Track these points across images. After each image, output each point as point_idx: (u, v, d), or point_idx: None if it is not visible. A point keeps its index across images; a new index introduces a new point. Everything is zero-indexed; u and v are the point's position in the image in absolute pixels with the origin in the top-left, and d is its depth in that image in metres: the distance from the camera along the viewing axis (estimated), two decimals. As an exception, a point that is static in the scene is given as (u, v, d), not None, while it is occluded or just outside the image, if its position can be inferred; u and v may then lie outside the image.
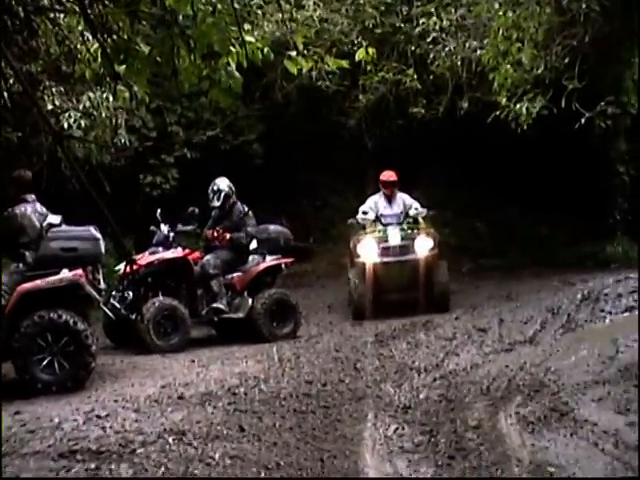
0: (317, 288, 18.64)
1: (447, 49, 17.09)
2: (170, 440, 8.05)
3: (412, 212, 15.94)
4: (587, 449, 8.52)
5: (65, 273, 10.52)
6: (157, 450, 7.76)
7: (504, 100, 14.71)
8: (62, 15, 10.02)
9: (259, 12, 16.41)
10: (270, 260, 14.27)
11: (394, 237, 15.54)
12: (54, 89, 13.39)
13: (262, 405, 9.61)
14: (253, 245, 14.28)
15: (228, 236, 14.06)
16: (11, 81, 10.47)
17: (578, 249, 20.11)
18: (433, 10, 17.60)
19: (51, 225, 10.70)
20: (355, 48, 15.75)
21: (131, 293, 13.43)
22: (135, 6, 6.55)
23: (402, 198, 16.23)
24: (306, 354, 12.54)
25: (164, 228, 13.94)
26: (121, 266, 13.68)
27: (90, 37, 9.74)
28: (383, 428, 9.09)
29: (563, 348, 12.41)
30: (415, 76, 18.36)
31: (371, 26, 18.56)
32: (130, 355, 12.67)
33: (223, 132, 20.20)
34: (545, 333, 13.57)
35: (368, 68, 17.03)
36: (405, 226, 15.80)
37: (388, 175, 16.33)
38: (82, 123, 13.75)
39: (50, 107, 13.07)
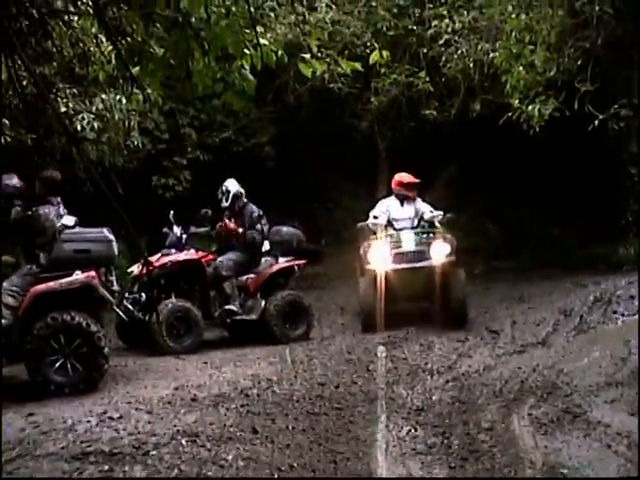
0: (329, 290, 18.64)
1: (459, 51, 17.10)
2: (183, 442, 8.07)
3: (427, 215, 14.72)
4: (600, 451, 8.51)
5: (78, 275, 10.53)
6: (170, 452, 7.77)
7: (516, 102, 14.73)
8: (76, 17, 10.06)
9: (272, 15, 16.43)
10: (283, 262, 14.29)
11: (408, 242, 14.39)
12: (67, 91, 13.43)
13: (275, 407, 9.62)
14: (266, 247, 14.29)
15: (241, 230, 14.06)
16: (24, 83, 10.49)
17: (590, 251, 20.07)
18: (445, 12, 17.64)
19: (65, 227, 10.73)
20: (367, 50, 15.79)
21: (144, 295, 13.45)
22: (149, 8, 6.56)
23: (417, 203, 15.11)
24: (319, 356, 12.55)
25: (177, 230, 13.96)
26: (134, 268, 13.72)
27: (104, 39, 9.80)
28: (396, 430, 9.10)
29: (575, 350, 12.40)
30: (427, 78, 18.41)
31: (384, 28, 18.60)
32: (143, 357, 12.68)
33: (235, 134, 20.25)
34: (557, 335, 13.57)
35: (382, 71, 17.07)
36: (420, 230, 14.68)
37: (405, 177, 15.20)
38: (95, 125, 13.77)
39: (63, 109, 13.09)
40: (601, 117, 14.63)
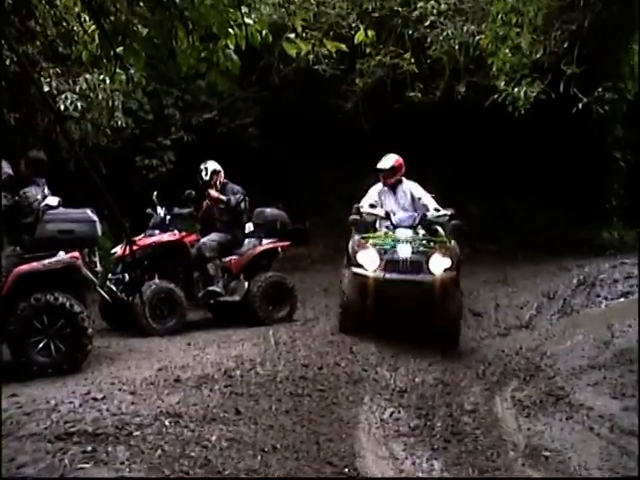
0: (313, 272, 18.63)
1: (445, 33, 17.06)
2: (166, 423, 8.06)
3: (430, 214, 12.55)
4: (583, 433, 8.58)
5: (61, 255, 10.49)
6: (153, 432, 7.76)
7: (502, 84, 14.70)
8: (59, -4, 10.00)
9: (256, -6, 16.34)
10: (266, 243, 14.25)
11: (404, 249, 12.04)
12: (51, 71, 13.35)
13: (258, 388, 9.61)
14: (249, 228, 14.26)
15: (225, 198, 14.00)
16: (7, 62, 10.43)
17: (574, 235, 20.15)
18: (431, -6, 17.56)
19: (49, 207, 10.68)
20: (352, 32, 15.73)
21: (127, 276, 13.39)
22: (133, -13, 6.53)
23: (409, 188, 13.12)
24: (302, 337, 12.53)
25: (160, 211, 13.91)
26: (117, 249, 13.67)
27: (87, 19, 9.73)
28: (379, 411, 9.14)
29: (559, 333, 12.48)
30: (412, 60, 18.34)
31: (369, 9, 18.53)
32: (126, 338, 12.65)
33: (220, 115, 20.18)
34: (541, 318, 13.65)
35: (367, 51, 17.01)
36: (419, 238, 12.35)
37: (391, 160, 13.25)
38: (79, 105, 13.69)
39: (47, 89, 13.02)
40: (586, 100, 14.63)
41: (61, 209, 10.80)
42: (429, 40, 17.63)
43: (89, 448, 7.08)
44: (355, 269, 12.25)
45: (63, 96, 13.54)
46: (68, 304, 10.31)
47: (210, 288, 13.64)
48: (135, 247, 13.01)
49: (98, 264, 11.20)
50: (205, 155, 14.63)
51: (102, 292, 12.23)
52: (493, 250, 19.51)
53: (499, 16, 14.25)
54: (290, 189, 19.95)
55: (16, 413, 8.19)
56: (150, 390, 9.32)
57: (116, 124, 15.04)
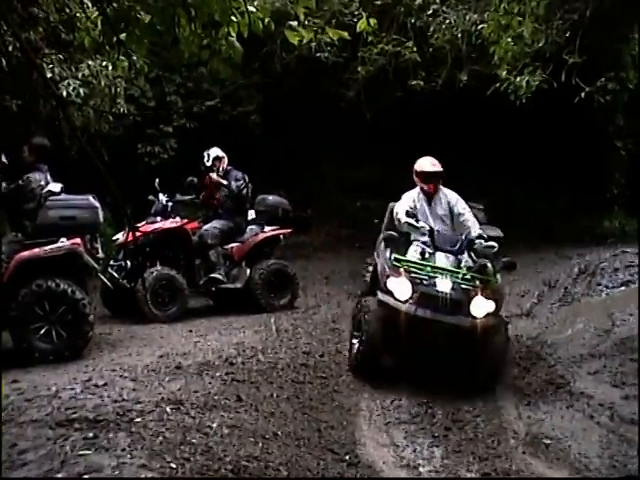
0: (314, 260, 18.64)
1: (447, 22, 17.01)
2: (168, 409, 8.08)
3: (479, 245, 10.21)
4: (583, 422, 8.61)
5: (63, 242, 10.50)
6: (155, 419, 7.78)
7: (504, 73, 14.67)
8: (62, -17, 9.98)
9: (260, -18, 16.30)
10: (268, 231, 14.26)
11: (444, 283, 9.85)
12: (53, 57, 13.33)
13: (259, 375, 9.65)
14: (251, 215, 14.27)
15: (225, 182, 14.01)
16: (10, 48, 10.41)
17: (575, 223, 20.15)
18: (434, -18, 17.53)
19: (51, 193, 10.68)
20: (355, 19, 15.69)
21: (129, 262, 13.42)
22: (136, -26, 6.52)
23: (447, 199, 10.94)
24: (304, 325, 12.58)
25: (162, 198, 13.92)
26: (120, 235, 13.68)
27: (90, 5, 9.71)
28: (380, 399, 9.15)
29: (559, 321, 12.48)
30: (415, 48, 18.31)
31: (372, -3, 18.50)
32: (128, 324, 12.67)
33: (222, 102, 20.16)
34: (542, 306, 13.65)
35: (368, 39, 16.99)
36: (463, 261, 10.29)
37: (430, 163, 11.03)
38: (81, 92, 13.65)
39: (49, 75, 12.99)
40: (588, 90, 14.59)
41: (63, 195, 10.80)
42: (431, 28, 17.57)
43: (90, 435, 7.10)
44: (383, 296, 9.97)
45: (65, 82, 13.51)
46: (70, 290, 10.32)
47: (212, 275, 13.65)
48: (137, 234, 13.01)
49: (100, 251, 11.21)
50: (207, 142, 14.64)
51: (104, 279, 12.27)
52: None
53: (501, 5, 14.20)
54: (292, 176, 19.95)
55: (17, 399, 8.21)
56: (151, 377, 9.35)
57: (118, 111, 14.99)
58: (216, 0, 6.47)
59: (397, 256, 10.09)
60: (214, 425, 7.75)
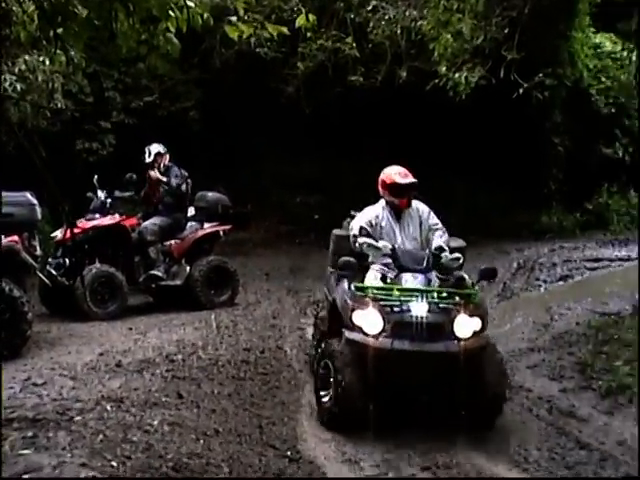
0: (254, 256, 18.59)
1: (387, 18, 17.07)
2: (108, 407, 8.04)
3: (445, 259, 8.84)
4: (522, 414, 8.68)
5: (0, 239, 10.37)
6: (95, 417, 7.74)
7: (443, 69, 14.77)
8: (-3, -24, 9.84)
9: (197, -24, 16.21)
10: (208, 227, 14.20)
11: (418, 306, 8.32)
12: (-12, 52, 13.16)
13: (200, 372, 9.63)
14: (191, 212, 14.20)
15: (165, 179, 13.91)
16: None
17: (513, 218, 20.35)
18: (373, -22, 17.57)
19: (-14, 191, 10.55)
20: (294, 15, 15.68)
21: (68, 260, 13.28)
22: (73, -32, 6.45)
23: (418, 213, 9.42)
24: (244, 321, 12.56)
25: (101, 194, 13.78)
26: (58, 232, 13.54)
27: (26, -1, 9.60)
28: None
29: (499, 316, 12.58)
30: (354, 44, 18.36)
31: (311, -7, 18.49)
32: (67, 323, 12.55)
33: (161, 98, 20.03)
34: (481, 301, 13.71)
35: (307, 35, 16.99)
36: (433, 279, 8.90)
37: (401, 174, 9.42)
38: (18, 87, 13.52)
39: (-16, 70, 12.85)
40: (526, 86, 14.76)
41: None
42: (371, 24, 17.62)
43: (29, 434, 7.03)
44: (350, 334, 8.40)
45: (2, 77, 13.36)
46: (7, 289, 10.20)
47: (151, 272, 13.57)
48: (75, 231, 12.89)
49: (38, 248, 11.09)
50: (146, 138, 14.53)
51: (42, 276, 12.14)
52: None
53: (441, 2, 14.31)
54: (231, 173, 19.89)
55: (-45, 399, 8.10)
56: (91, 375, 9.30)
57: (55, 106, 14.87)
58: (154, -5, 6.43)
59: (357, 284, 8.59)
60: (155, 423, 7.72)
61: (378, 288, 8.56)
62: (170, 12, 6.52)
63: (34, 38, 7.92)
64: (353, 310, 8.37)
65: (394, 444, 7.84)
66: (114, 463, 6.65)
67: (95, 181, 13.91)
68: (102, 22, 6.50)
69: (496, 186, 20.38)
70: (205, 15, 6.77)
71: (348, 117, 19.69)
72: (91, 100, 18.67)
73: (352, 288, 8.55)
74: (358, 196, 19.81)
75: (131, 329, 12.09)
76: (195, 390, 8.96)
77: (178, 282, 13.87)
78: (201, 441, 7.42)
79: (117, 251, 13.65)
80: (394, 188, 9.26)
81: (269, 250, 18.74)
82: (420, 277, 8.68)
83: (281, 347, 11.05)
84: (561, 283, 14.73)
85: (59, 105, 14.86)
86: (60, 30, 6.54)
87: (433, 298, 8.43)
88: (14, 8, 10.69)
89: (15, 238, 10.47)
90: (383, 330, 8.22)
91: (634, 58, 16.31)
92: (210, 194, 14.52)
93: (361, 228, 9.03)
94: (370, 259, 9.02)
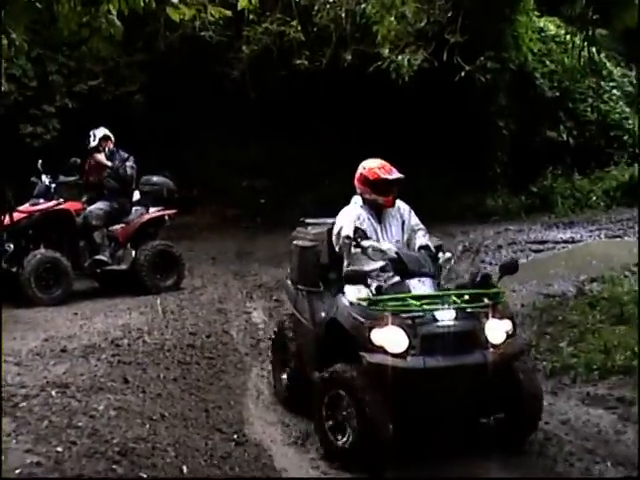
0: (200, 240, 18.53)
1: (331, 0, 17.09)
2: (53, 393, 8.02)
3: (442, 260, 8.06)
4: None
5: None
6: (40, 403, 7.72)
7: (386, 52, 14.80)
8: None
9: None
10: (153, 212, 14.13)
11: (444, 313, 7.07)
12: None
13: (146, 357, 9.62)
14: (136, 197, 14.12)
15: (110, 164, 13.81)
16: None
17: (459, 201, 20.45)
18: (317, -39, 17.57)
19: None
20: (238, -2, 15.64)
21: (12, 246, 13.17)
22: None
23: (399, 210, 8.40)
24: (190, 306, 12.53)
25: (45, 179, 13.66)
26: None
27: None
28: (268, 378, 9.18)
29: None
30: (299, 27, 18.32)
31: (255, -24, 18.41)
32: (11, 308, 12.39)
33: (105, 82, 19.87)
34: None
35: (252, 18, 16.94)
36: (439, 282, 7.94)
37: (386, 169, 8.38)
38: (-43, 71, 13.36)
39: None
40: (468, 69, 14.85)
41: (-58, 178, 10.56)
42: (315, 8, 17.63)
43: (-27, 420, 6.99)
44: (372, 357, 6.93)
45: (-58, 62, 13.20)
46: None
47: (97, 257, 13.48)
48: (19, 216, 12.78)
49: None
50: (90, 122, 14.42)
51: (-15, 262, 12.03)
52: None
53: (384, -16, 14.33)
54: (177, 157, 19.79)
55: None
56: (36, 361, 9.26)
57: (-2, 91, 14.72)
58: (96, -23, 6.40)
59: (365, 298, 7.19)
60: (100, 408, 7.72)
61: (392, 299, 7.14)
62: (112, -6, 6.48)
63: (-27, 21, 7.86)
64: (371, 329, 6.95)
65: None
66: (59, 449, 6.65)
67: (39, 166, 13.79)
68: (43, 4, 6.45)
69: (441, 169, 20.47)
70: (147, -3, 6.75)
71: (293, 101, 19.67)
72: (35, 84, 18.51)
73: (362, 303, 7.17)
74: (304, 179, 19.94)
75: (76, 314, 12.02)
76: (141, 375, 8.95)
77: (123, 267, 13.82)
78: (147, 425, 7.42)
79: (62, 236, 13.55)
80: (379, 185, 8.14)
81: (215, 234, 18.69)
82: (428, 282, 7.52)
83: (227, 331, 11.05)
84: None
85: (2, 89, 14.69)
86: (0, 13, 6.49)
87: (458, 303, 7.19)
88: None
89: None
90: (410, 347, 6.89)
91: (578, 42, 16.41)
92: (155, 178, 14.44)
93: (357, 229, 7.78)
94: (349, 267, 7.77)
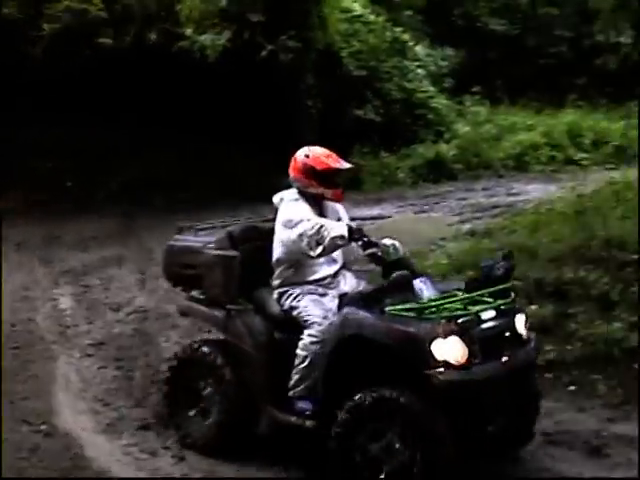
0: (3, 226, 17.95)
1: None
2: None
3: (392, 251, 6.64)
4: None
5: None
6: None
7: (190, 31, 14.72)
8: None
9: None
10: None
11: (487, 314, 6.30)
12: None
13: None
14: None
15: None
16: None
17: (269, 182, 20.43)
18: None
19: None
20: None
21: None
22: None
23: (335, 206, 7.34)
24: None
25: None
26: None
27: None
28: (76, 365, 9.04)
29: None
30: (102, 5, 18.01)
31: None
32: None
33: None
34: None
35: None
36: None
37: (333, 157, 7.26)
38: None
39: None
40: (269, 48, 14.89)
41: None
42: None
43: None
44: (443, 374, 5.87)
45: None
46: None
47: None
48: None
49: None
50: None
51: None
52: (189, 198, 19.43)
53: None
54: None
55: None
56: None
57: None
58: None
59: (399, 306, 6.10)
60: None
61: (441, 304, 6.19)
62: None
63: None
64: (432, 341, 5.90)
65: (152, 412, 7.80)
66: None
67: None
68: None
69: (251, 149, 20.46)
70: None
71: (98, 79, 19.31)
72: None
73: (405, 313, 6.08)
74: (110, 161, 19.61)
75: None
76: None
77: None
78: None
79: None
80: (328, 176, 7.02)
81: (20, 219, 18.07)
82: (426, 280, 6.48)
83: (33, 319, 10.77)
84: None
85: None
86: None
87: (493, 301, 6.40)
88: None
89: None
90: (472, 355, 5.99)
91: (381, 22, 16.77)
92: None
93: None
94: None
